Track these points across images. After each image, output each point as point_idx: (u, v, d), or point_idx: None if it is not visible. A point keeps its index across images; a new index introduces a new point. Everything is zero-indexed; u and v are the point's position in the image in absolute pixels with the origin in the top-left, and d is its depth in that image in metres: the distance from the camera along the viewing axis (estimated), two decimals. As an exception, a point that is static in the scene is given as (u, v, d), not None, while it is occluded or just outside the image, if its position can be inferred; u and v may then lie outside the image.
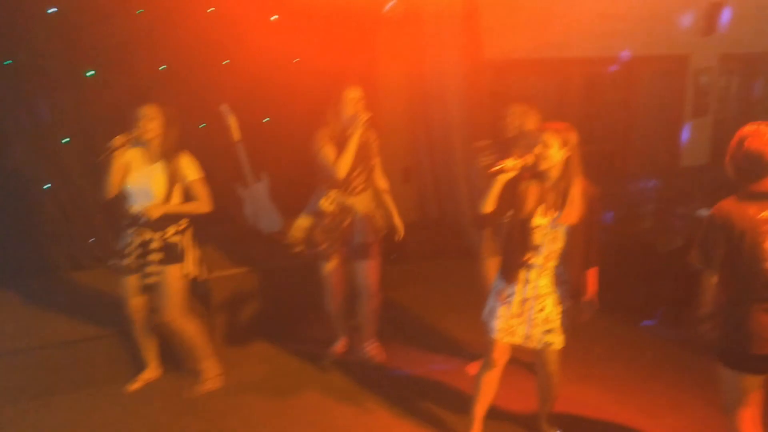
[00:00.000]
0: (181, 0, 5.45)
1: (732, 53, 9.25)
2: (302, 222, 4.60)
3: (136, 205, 4.10)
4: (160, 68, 5.59)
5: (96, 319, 4.71)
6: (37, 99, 5.23)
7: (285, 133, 6.04)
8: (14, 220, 5.31)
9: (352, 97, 4.33)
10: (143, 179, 4.08)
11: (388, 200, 4.66)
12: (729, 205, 3.08)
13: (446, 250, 6.78)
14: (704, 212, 6.05)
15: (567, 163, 3.38)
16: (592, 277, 3.64)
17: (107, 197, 4.11)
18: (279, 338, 5.17)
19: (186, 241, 4.24)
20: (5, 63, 5.05)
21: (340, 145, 4.30)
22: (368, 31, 6.37)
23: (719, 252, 3.09)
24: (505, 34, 6.95)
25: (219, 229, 5.68)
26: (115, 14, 5.30)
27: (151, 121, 4.00)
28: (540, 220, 3.43)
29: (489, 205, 3.43)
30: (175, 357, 4.63)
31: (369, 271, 4.59)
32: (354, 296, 4.75)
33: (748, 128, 3.10)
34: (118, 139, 3.93)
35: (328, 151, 4.33)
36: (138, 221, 4.12)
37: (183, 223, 4.23)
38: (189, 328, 4.33)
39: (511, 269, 3.54)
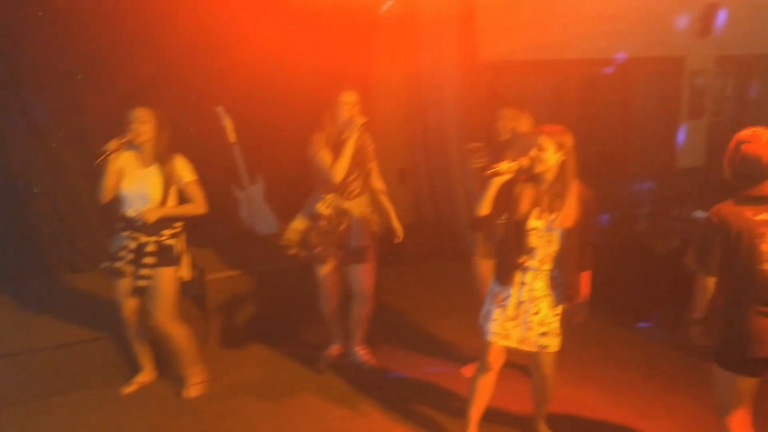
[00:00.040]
0: (176, 1, 5.43)
1: (728, 55, 9.26)
2: (298, 224, 4.60)
3: (132, 209, 4.09)
4: (156, 70, 5.57)
5: (91, 322, 4.69)
6: (32, 101, 5.21)
7: (281, 135, 6.03)
8: (9, 222, 5.30)
9: (348, 101, 4.33)
10: (138, 183, 4.07)
11: (386, 202, 4.66)
12: (726, 208, 3.09)
13: (442, 252, 6.79)
14: (700, 214, 6.13)
15: (562, 167, 3.38)
16: (585, 279, 3.65)
17: (102, 202, 4.10)
18: (275, 340, 5.17)
19: (181, 244, 4.24)
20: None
21: (336, 149, 4.30)
22: (365, 32, 6.36)
23: (716, 254, 3.10)
24: (502, 35, 6.94)
25: (215, 231, 5.68)
26: (110, 16, 5.28)
27: (144, 124, 3.99)
28: (535, 223, 3.43)
29: (484, 208, 3.43)
30: (166, 360, 4.63)
31: (364, 275, 4.58)
32: (348, 299, 4.75)
33: (746, 133, 3.12)
34: (113, 143, 3.92)
35: (324, 156, 4.32)
36: (133, 225, 4.11)
37: (178, 226, 4.22)
38: (178, 332, 4.32)
39: (506, 272, 3.53)
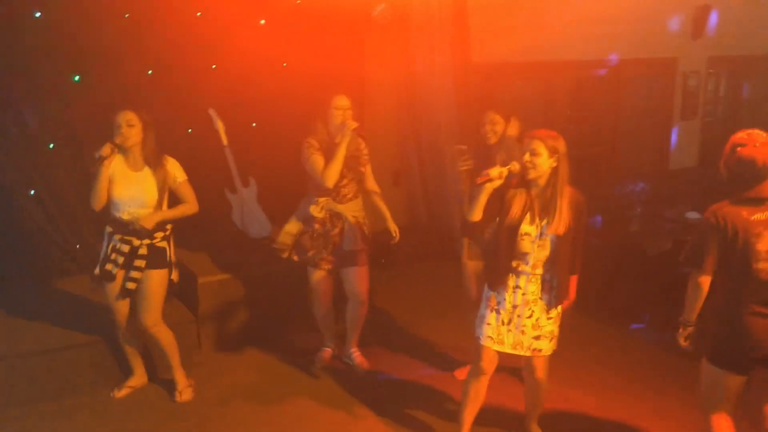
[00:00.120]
0: (168, 4, 5.41)
1: (720, 56, 9.29)
2: (291, 227, 4.59)
3: (125, 213, 4.07)
4: (148, 72, 5.56)
5: (82, 326, 4.67)
6: (23, 104, 5.19)
7: (274, 137, 6.01)
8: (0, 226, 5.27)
9: (340, 105, 4.33)
10: (132, 187, 4.04)
11: (381, 205, 4.65)
12: (723, 208, 3.12)
13: (436, 254, 6.79)
14: (693, 215, 6.14)
15: (555, 172, 3.37)
16: (572, 284, 3.65)
17: (96, 208, 4.07)
18: (268, 344, 5.15)
19: (171, 246, 4.24)
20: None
21: (329, 154, 4.29)
22: (357, 35, 6.36)
23: (713, 254, 3.13)
24: (494, 38, 6.95)
25: (207, 234, 5.66)
26: (102, 18, 5.26)
27: (132, 128, 3.97)
28: (527, 228, 3.42)
29: (476, 214, 3.42)
30: (157, 365, 4.65)
31: (359, 278, 4.58)
32: (342, 302, 4.74)
33: (741, 135, 3.15)
34: (107, 148, 3.90)
35: (316, 160, 4.31)
36: (126, 228, 4.09)
37: (168, 228, 4.22)
38: (166, 334, 4.33)
39: (498, 276, 3.53)
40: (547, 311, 3.53)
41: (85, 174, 4.09)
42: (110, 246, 4.13)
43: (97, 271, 4.17)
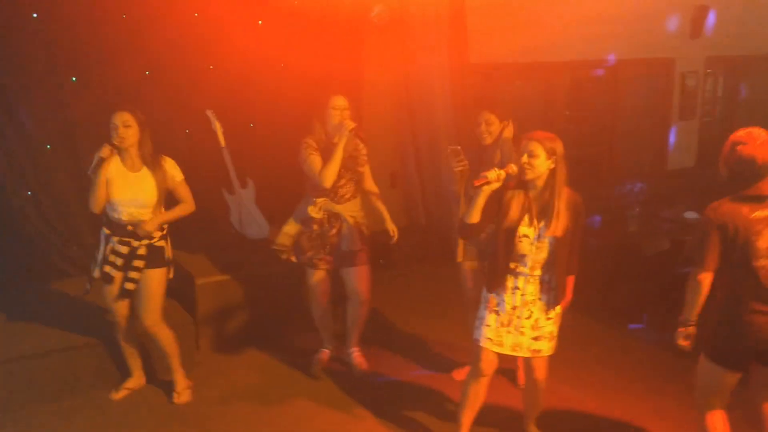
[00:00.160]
0: (166, 5, 5.41)
1: (718, 56, 9.28)
2: (289, 228, 4.59)
3: (125, 214, 4.05)
4: (146, 73, 5.55)
5: (80, 328, 4.66)
6: (20, 105, 5.18)
7: (272, 138, 6.01)
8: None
9: (338, 105, 4.32)
10: (131, 188, 4.03)
11: (380, 205, 4.64)
12: (723, 205, 3.13)
13: (434, 255, 6.78)
14: (691, 215, 6.14)
15: (552, 174, 3.37)
16: (569, 284, 3.66)
17: (96, 211, 4.05)
18: (266, 345, 5.15)
19: (168, 244, 4.25)
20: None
21: (326, 154, 4.28)
22: (355, 35, 6.35)
23: (714, 251, 3.12)
24: (491, 38, 6.94)
25: (205, 235, 5.66)
26: (100, 19, 5.26)
27: (128, 128, 3.95)
28: (525, 230, 3.42)
29: (474, 216, 3.41)
30: (155, 366, 4.65)
31: (360, 277, 4.57)
32: (343, 302, 4.73)
33: (741, 133, 3.16)
34: (106, 150, 3.89)
35: (313, 160, 4.31)
36: (124, 230, 4.07)
37: (165, 227, 4.22)
38: (166, 334, 4.33)
39: (497, 278, 3.53)
40: (546, 312, 3.53)
41: (83, 175, 4.06)
42: (108, 248, 4.12)
43: (96, 273, 4.16)
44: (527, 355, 3.57)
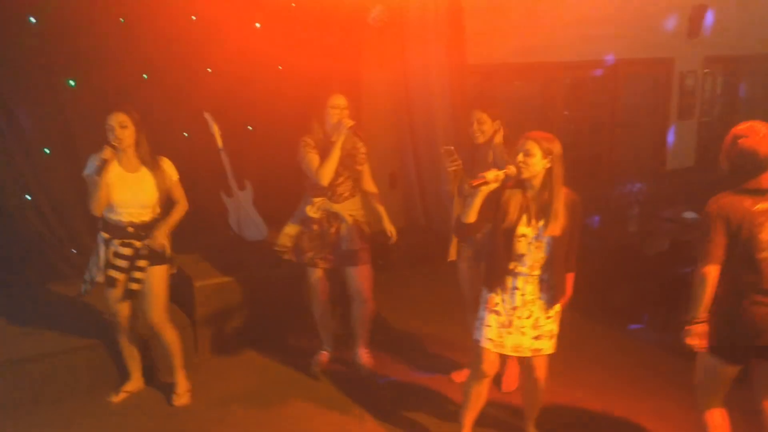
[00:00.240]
0: (164, 8, 5.40)
1: (716, 56, 9.29)
2: (290, 229, 4.58)
3: (126, 215, 4.04)
4: (143, 76, 5.54)
5: (79, 331, 4.66)
6: (19, 108, 5.17)
7: (270, 141, 6.01)
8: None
9: (337, 104, 4.31)
10: (132, 188, 4.02)
11: (378, 206, 4.63)
12: (725, 198, 3.13)
13: (432, 256, 6.76)
14: (690, 215, 6.12)
15: (549, 174, 3.36)
16: (568, 282, 3.64)
17: (97, 214, 4.03)
18: (265, 348, 5.14)
19: (168, 241, 4.24)
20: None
21: (325, 152, 4.28)
22: (353, 36, 6.35)
23: (719, 244, 3.10)
24: (490, 39, 6.95)
25: (203, 238, 5.65)
26: (97, 22, 5.25)
27: (125, 129, 3.94)
28: (524, 230, 3.41)
29: (471, 216, 3.41)
30: (154, 369, 4.64)
31: (361, 276, 4.55)
32: (347, 303, 4.73)
33: (742, 127, 3.17)
34: (108, 152, 3.87)
35: (311, 158, 4.30)
36: (125, 232, 4.06)
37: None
38: (171, 333, 4.33)
39: (496, 278, 3.52)
40: (546, 310, 3.53)
41: (81, 178, 4.05)
42: (110, 252, 4.10)
43: (100, 278, 4.13)
44: (528, 354, 3.57)
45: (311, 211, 4.43)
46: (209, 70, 5.75)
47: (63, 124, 5.33)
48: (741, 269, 3.11)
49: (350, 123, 4.24)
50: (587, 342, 5.16)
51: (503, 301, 3.52)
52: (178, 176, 4.21)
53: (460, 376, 4.59)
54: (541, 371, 3.66)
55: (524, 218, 3.41)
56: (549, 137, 3.37)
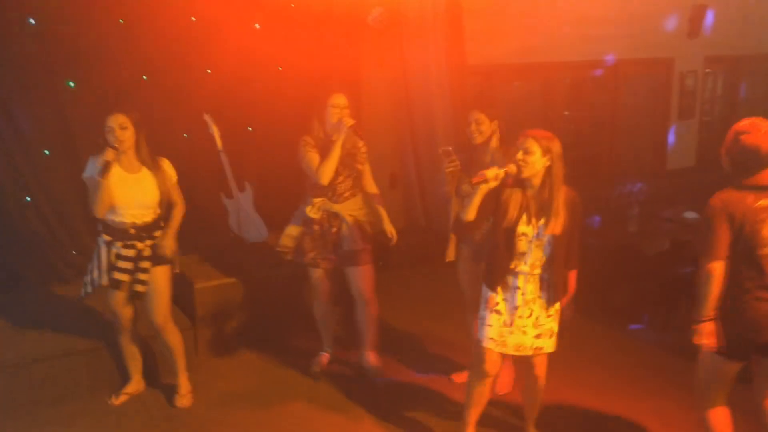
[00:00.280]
0: (163, 9, 5.40)
1: (717, 55, 9.28)
2: (291, 230, 4.57)
3: (127, 216, 4.03)
4: (143, 78, 5.54)
5: (80, 333, 4.66)
6: (19, 110, 5.17)
7: (270, 142, 6.01)
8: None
9: (338, 103, 4.30)
10: (134, 189, 4.01)
11: (379, 207, 4.62)
12: (727, 194, 3.13)
13: (433, 256, 6.75)
14: (691, 215, 6.11)
15: (549, 172, 3.36)
16: (571, 279, 3.64)
17: (100, 216, 4.01)
18: (265, 349, 5.14)
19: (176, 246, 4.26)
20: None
21: (325, 152, 4.27)
22: (353, 37, 6.35)
23: (723, 239, 3.09)
24: (489, 39, 6.95)
25: (203, 239, 5.65)
26: (97, 24, 5.25)
27: (125, 130, 3.94)
28: (524, 229, 3.41)
29: (470, 214, 3.41)
30: (154, 371, 4.64)
31: (362, 277, 4.53)
32: (347, 304, 4.72)
33: (744, 123, 3.17)
34: (111, 153, 3.85)
35: (311, 157, 4.30)
36: (126, 234, 4.05)
37: (165, 225, 4.21)
38: (175, 334, 4.35)
39: (497, 277, 3.52)
40: (546, 309, 3.53)
41: (80, 179, 4.04)
42: (112, 254, 4.08)
43: (104, 281, 4.13)
44: (530, 353, 3.57)
45: (311, 212, 4.43)
46: (209, 71, 5.75)
47: (63, 124, 5.33)
48: (742, 265, 3.11)
49: (351, 122, 4.23)
50: (587, 342, 5.16)
51: (504, 300, 3.52)
52: (176, 178, 4.22)
53: (460, 377, 4.59)
54: (541, 369, 3.67)
55: (524, 217, 3.41)
56: (548, 135, 3.37)
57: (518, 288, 3.49)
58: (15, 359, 4.39)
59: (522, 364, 3.79)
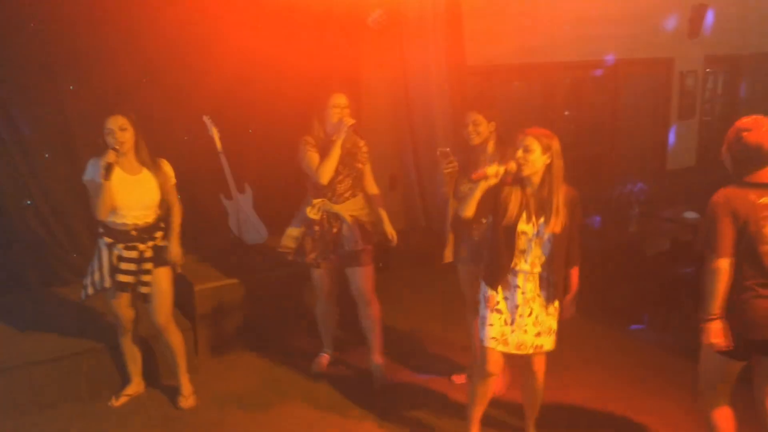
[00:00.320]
0: (163, 11, 5.40)
1: (717, 55, 9.28)
2: (293, 231, 4.56)
3: (129, 218, 4.02)
4: (143, 80, 5.54)
5: (80, 335, 4.65)
6: (18, 112, 5.17)
7: (269, 143, 6.01)
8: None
9: (338, 103, 4.30)
10: (135, 190, 4.01)
11: (380, 208, 4.61)
12: (730, 191, 3.13)
13: (433, 257, 6.74)
14: (691, 215, 6.11)
15: (549, 170, 3.36)
16: (573, 275, 3.64)
17: (102, 218, 4.00)
18: (265, 350, 5.14)
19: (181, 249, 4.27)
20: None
21: (325, 152, 4.27)
22: (353, 37, 6.34)
23: (728, 235, 3.07)
24: (489, 40, 6.94)
25: (203, 240, 5.65)
26: (96, 24, 5.25)
27: (125, 132, 3.94)
28: (524, 227, 3.41)
29: (469, 211, 3.41)
30: (154, 372, 4.64)
31: (362, 277, 4.53)
32: (348, 304, 4.72)
33: (746, 120, 3.16)
34: (112, 155, 3.85)
35: (311, 157, 4.30)
36: (128, 236, 4.05)
37: (165, 226, 4.22)
38: (177, 335, 4.35)
39: (497, 276, 3.52)
40: (546, 307, 3.54)
41: (80, 181, 4.04)
42: (114, 256, 4.08)
43: (108, 283, 4.12)
44: (530, 352, 3.57)
45: (311, 213, 4.42)
46: (209, 72, 5.74)
47: (62, 125, 5.32)
48: (744, 262, 3.10)
49: (351, 121, 4.23)
50: (587, 342, 5.16)
51: (505, 299, 3.52)
52: (175, 180, 4.21)
53: (460, 378, 4.60)
54: (540, 366, 3.67)
55: (524, 215, 3.41)
56: (548, 133, 3.38)
57: (518, 287, 3.50)
58: (15, 361, 4.38)
59: (521, 363, 3.78)
